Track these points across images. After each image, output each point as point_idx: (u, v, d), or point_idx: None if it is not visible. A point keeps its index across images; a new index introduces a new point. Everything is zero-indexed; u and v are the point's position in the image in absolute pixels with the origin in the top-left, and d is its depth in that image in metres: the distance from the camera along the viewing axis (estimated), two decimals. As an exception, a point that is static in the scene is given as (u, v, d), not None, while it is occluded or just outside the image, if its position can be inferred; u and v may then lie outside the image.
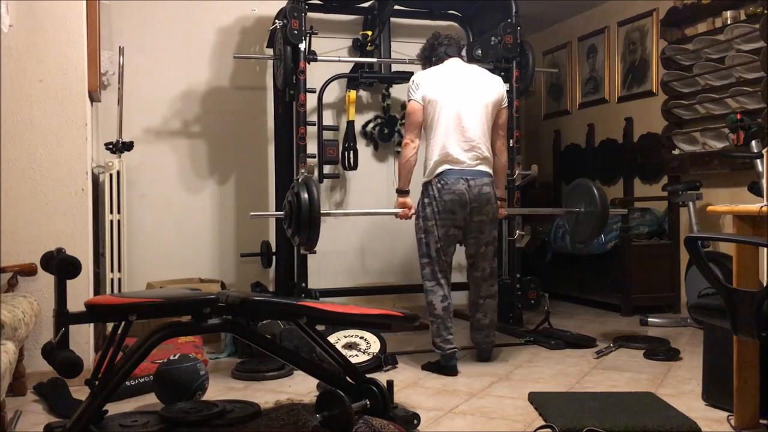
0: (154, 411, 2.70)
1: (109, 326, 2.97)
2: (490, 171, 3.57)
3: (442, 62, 3.66)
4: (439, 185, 3.47)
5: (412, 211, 3.63)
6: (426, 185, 3.55)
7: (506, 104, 3.70)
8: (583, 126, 6.37)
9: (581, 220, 3.98)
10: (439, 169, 3.48)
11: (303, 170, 3.92)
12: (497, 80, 3.69)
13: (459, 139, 3.48)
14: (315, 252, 4.08)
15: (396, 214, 3.68)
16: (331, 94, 4.90)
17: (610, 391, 3.11)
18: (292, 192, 3.42)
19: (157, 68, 4.70)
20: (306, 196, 3.35)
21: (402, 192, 3.64)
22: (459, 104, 3.50)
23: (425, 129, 3.57)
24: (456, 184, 3.45)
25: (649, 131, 5.56)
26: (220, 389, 3.22)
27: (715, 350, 2.83)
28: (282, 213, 3.60)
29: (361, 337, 3.74)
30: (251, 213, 3.87)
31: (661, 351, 3.77)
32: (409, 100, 3.57)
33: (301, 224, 3.37)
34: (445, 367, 3.49)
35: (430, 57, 3.72)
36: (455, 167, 3.47)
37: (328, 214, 3.55)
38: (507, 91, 4.34)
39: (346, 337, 3.73)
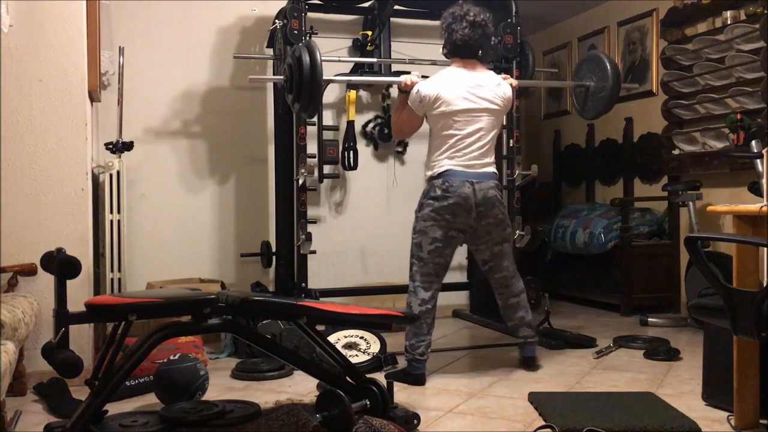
0: (154, 411, 2.71)
1: (109, 326, 2.97)
2: (496, 172, 3.45)
3: (451, 57, 3.48)
4: (443, 186, 3.31)
5: (417, 80, 3.41)
6: (429, 183, 3.38)
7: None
8: (583, 126, 6.36)
9: (591, 94, 3.77)
10: (444, 167, 3.33)
11: (303, 170, 3.92)
12: (505, 87, 3.50)
13: (465, 147, 3.35)
14: (315, 252, 4.09)
15: (400, 83, 3.50)
16: (331, 94, 4.89)
17: (610, 391, 3.11)
18: (293, 56, 3.21)
19: (157, 68, 4.69)
20: (307, 59, 3.15)
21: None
22: (464, 115, 3.34)
23: (431, 133, 3.44)
24: (461, 187, 3.29)
25: (649, 131, 5.56)
26: (220, 389, 3.22)
27: (715, 350, 2.83)
28: (282, 77, 3.48)
29: (361, 337, 3.74)
30: (250, 77, 3.98)
31: (661, 351, 3.77)
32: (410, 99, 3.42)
33: (302, 89, 3.19)
34: (411, 375, 3.30)
35: (445, 44, 3.51)
36: (460, 169, 3.33)
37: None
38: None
39: (346, 337, 3.73)
